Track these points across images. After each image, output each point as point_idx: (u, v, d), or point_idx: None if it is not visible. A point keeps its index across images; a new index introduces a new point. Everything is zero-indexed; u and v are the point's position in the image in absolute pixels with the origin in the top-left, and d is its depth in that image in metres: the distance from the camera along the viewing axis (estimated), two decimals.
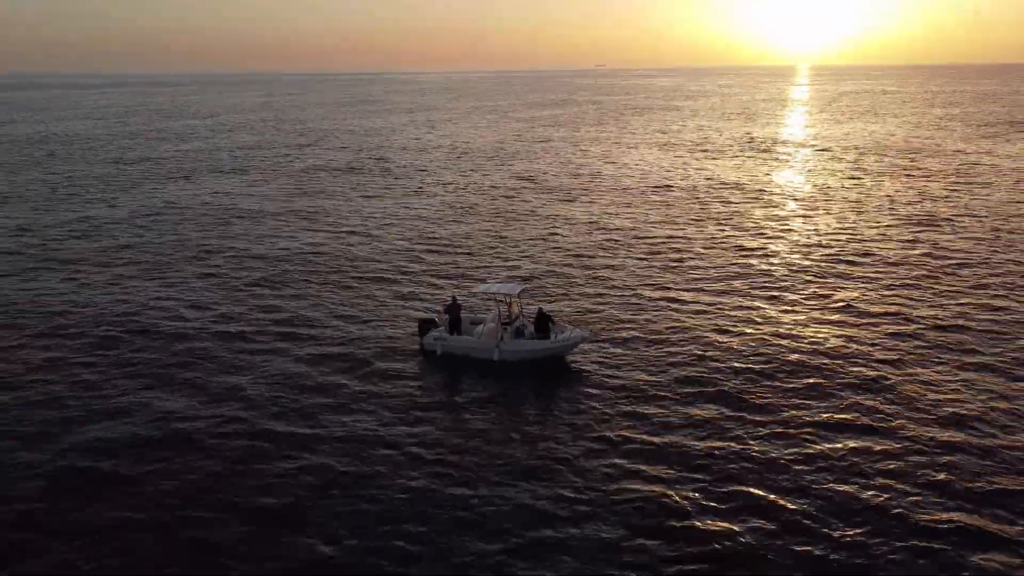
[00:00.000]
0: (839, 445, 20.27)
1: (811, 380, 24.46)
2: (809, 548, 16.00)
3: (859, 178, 64.76)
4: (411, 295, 34.22)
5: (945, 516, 17.01)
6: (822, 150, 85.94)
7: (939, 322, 29.58)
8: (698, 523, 16.91)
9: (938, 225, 46.54)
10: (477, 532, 16.67)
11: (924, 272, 36.54)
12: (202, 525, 17.03)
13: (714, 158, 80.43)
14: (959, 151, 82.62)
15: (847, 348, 27.14)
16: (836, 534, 16.43)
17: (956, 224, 46.61)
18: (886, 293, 33.28)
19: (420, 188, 63.42)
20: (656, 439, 20.67)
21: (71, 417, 22.49)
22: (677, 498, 17.87)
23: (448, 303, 28.04)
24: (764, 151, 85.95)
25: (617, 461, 19.56)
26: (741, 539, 16.33)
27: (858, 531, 16.55)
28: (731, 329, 29.16)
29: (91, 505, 17.88)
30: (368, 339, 28.66)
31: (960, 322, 29.65)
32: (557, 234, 45.71)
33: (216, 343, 28.46)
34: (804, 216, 49.74)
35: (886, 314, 30.58)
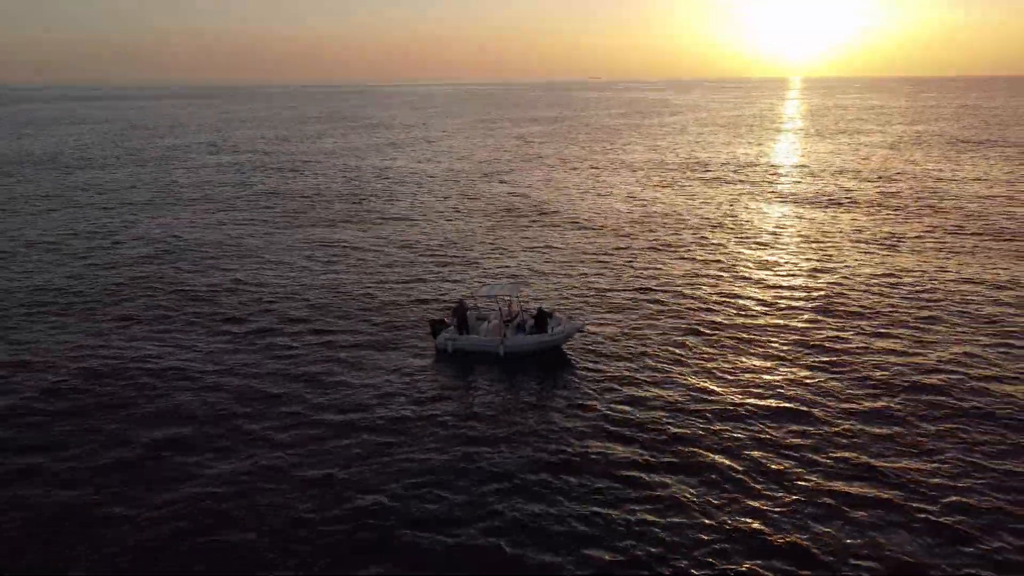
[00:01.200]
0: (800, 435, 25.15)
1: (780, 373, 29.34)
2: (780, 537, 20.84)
3: (827, 205, 69.86)
4: (422, 300, 39.00)
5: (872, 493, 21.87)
6: (796, 173, 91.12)
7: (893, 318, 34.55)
8: (651, 478, 21.74)
9: (897, 247, 51.58)
10: (489, 475, 21.50)
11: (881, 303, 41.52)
12: (274, 492, 21.80)
13: (691, 183, 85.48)
14: (926, 171, 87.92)
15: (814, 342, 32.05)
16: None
17: (913, 246, 51.65)
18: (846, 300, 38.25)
19: (419, 206, 68.27)
20: (631, 411, 25.53)
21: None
22: (639, 460, 22.72)
23: (455, 305, 32.57)
24: (739, 175, 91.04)
25: (599, 425, 24.41)
26: (693, 497, 21.18)
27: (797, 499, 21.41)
28: (704, 320, 34.06)
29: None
30: (387, 341, 33.43)
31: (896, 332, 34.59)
32: (551, 246, 50.58)
33: (265, 354, 33.21)
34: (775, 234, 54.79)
35: (850, 313, 35.52)
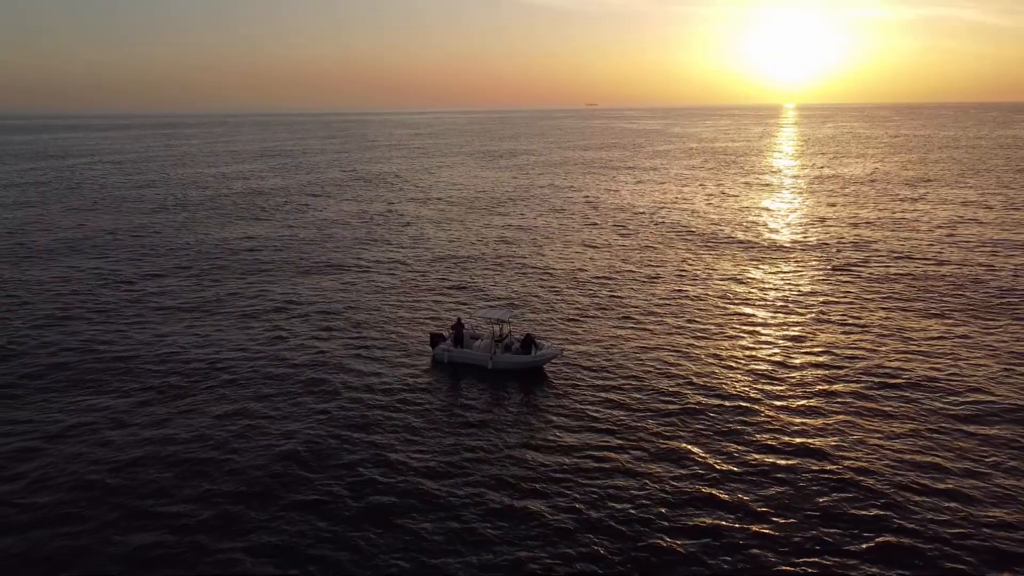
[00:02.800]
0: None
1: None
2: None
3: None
4: (424, 316, 43.40)
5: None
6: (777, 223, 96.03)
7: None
8: (637, 467, 26.10)
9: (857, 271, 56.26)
10: (478, 458, 25.83)
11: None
12: (306, 482, 26.13)
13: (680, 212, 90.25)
14: (894, 200, 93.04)
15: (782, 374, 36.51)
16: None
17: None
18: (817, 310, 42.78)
19: (423, 234, 72.92)
20: (600, 418, 29.91)
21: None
22: (612, 454, 27.09)
23: (454, 323, 37.06)
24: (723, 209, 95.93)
25: (570, 434, 28.77)
26: (665, 485, 25.52)
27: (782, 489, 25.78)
28: (665, 349, 38.49)
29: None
30: (393, 347, 37.82)
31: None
32: (547, 273, 55.11)
33: (277, 344, 37.58)
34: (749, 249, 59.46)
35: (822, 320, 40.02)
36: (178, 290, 50.99)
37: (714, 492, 24.06)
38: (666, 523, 22.38)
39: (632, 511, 22.99)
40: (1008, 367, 34.70)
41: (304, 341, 39.67)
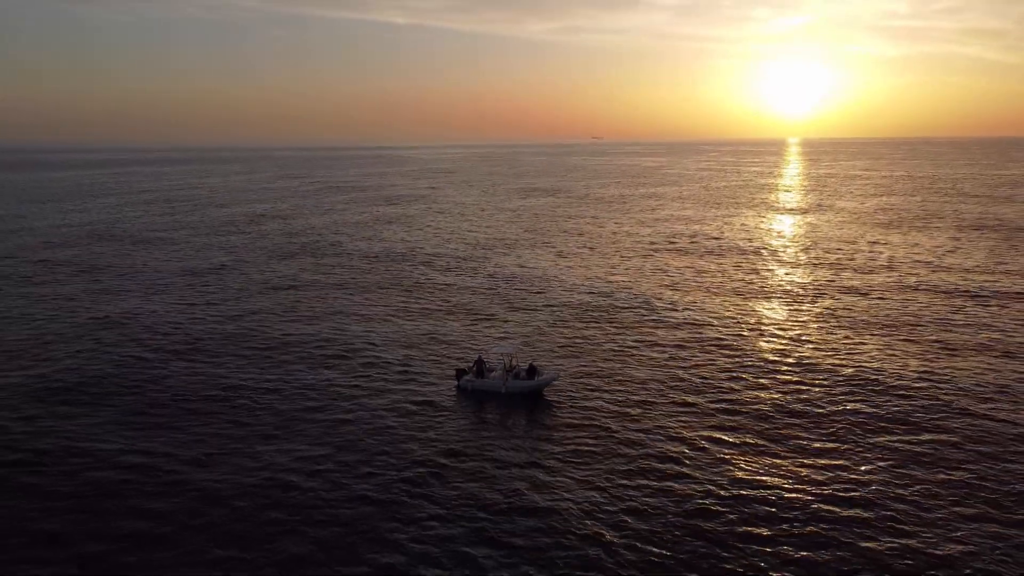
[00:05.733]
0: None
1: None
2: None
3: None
4: (451, 353, 53.16)
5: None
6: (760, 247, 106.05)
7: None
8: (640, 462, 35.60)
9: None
10: (495, 463, 35.36)
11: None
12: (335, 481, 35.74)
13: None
14: (869, 244, 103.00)
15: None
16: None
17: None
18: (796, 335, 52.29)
19: (436, 281, 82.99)
20: (590, 431, 39.47)
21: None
22: (590, 447, 36.61)
23: (476, 358, 47.02)
24: (711, 248, 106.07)
25: (568, 439, 38.33)
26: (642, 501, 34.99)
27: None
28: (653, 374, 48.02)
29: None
30: (425, 381, 47.55)
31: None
32: (548, 307, 64.89)
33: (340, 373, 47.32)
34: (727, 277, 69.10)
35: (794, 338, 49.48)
36: (251, 332, 60.89)
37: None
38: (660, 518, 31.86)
39: (609, 497, 32.47)
40: None
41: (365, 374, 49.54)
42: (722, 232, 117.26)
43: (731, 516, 30.66)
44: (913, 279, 77.06)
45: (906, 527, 29.67)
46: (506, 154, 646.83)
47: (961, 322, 59.79)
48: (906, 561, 27.50)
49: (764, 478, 33.85)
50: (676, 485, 33.33)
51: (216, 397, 45.07)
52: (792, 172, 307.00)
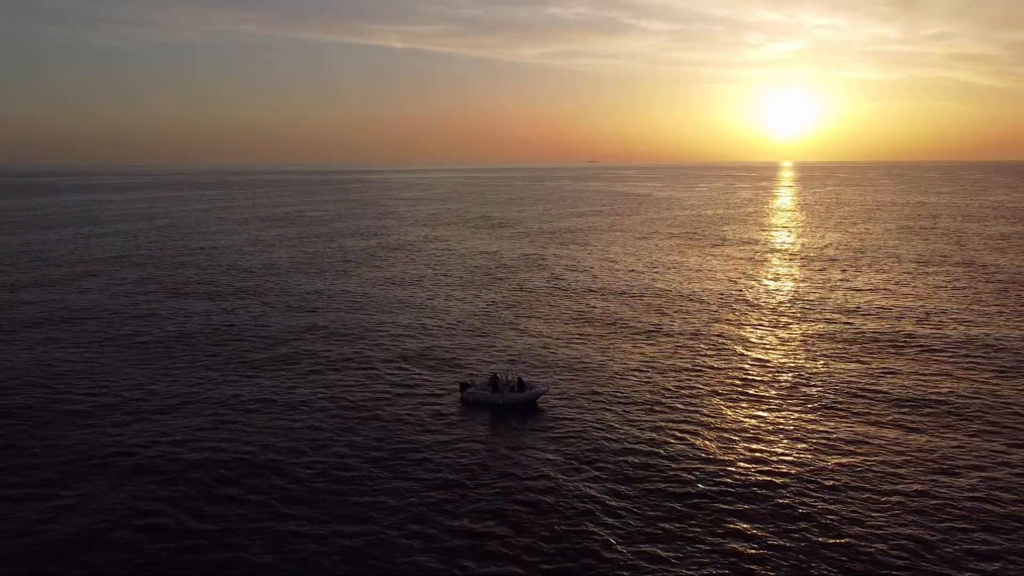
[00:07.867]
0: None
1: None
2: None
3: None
4: (456, 371, 59.52)
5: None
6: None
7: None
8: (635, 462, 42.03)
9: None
10: (494, 464, 41.71)
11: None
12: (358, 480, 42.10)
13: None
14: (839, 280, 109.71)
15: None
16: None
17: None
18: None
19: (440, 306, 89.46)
20: (573, 433, 45.85)
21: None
22: (573, 447, 43.03)
23: (491, 375, 53.35)
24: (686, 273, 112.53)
25: (553, 443, 44.73)
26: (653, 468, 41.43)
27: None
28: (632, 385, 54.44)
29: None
30: (434, 393, 53.98)
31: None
32: (539, 331, 71.31)
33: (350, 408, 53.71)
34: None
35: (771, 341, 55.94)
36: (262, 349, 67.19)
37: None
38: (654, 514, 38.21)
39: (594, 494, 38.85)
40: None
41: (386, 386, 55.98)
42: (702, 278, 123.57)
43: (731, 515, 35.41)
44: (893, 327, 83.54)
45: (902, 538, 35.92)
46: (492, 178, 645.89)
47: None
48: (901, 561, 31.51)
49: (764, 478, 39.61)
50: (672, 486, 39.67)
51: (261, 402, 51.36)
52: (781, 201, 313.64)
